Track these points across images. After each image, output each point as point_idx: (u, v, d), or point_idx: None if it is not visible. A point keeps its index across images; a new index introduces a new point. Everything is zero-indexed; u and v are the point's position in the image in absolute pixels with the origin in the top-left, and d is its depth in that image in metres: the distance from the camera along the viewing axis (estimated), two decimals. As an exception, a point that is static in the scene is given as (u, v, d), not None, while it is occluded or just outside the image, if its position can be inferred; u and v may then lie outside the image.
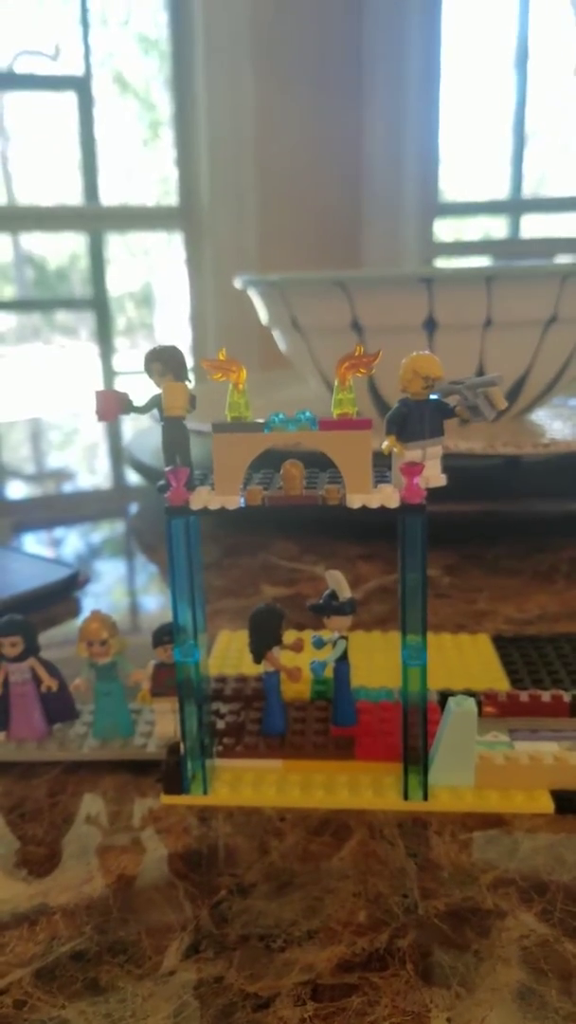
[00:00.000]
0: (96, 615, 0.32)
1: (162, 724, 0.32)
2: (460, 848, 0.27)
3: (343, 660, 0.32)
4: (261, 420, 0.27)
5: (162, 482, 0.28)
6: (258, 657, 0.32)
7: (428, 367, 0.26)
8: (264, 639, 0.31)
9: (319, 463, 0.29)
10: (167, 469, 0.27)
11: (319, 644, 0.32)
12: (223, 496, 0.27)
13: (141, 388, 0.28)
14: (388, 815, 0.28)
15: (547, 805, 0.28)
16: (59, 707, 0.33)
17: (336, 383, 0.26)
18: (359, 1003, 0.21)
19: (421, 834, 0.28)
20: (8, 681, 0.32)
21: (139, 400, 0.28)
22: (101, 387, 0.26)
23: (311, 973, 0.22)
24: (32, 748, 0.32)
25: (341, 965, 0.22)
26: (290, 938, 0.23)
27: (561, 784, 0.29)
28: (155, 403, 0.28)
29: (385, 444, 0.27)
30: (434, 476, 0.28)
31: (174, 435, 0.28)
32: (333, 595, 0.31)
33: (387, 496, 0.26)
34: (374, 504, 0.26)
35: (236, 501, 0.27)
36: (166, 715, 0.32)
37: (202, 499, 0.27)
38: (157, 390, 0.28)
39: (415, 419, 0.27)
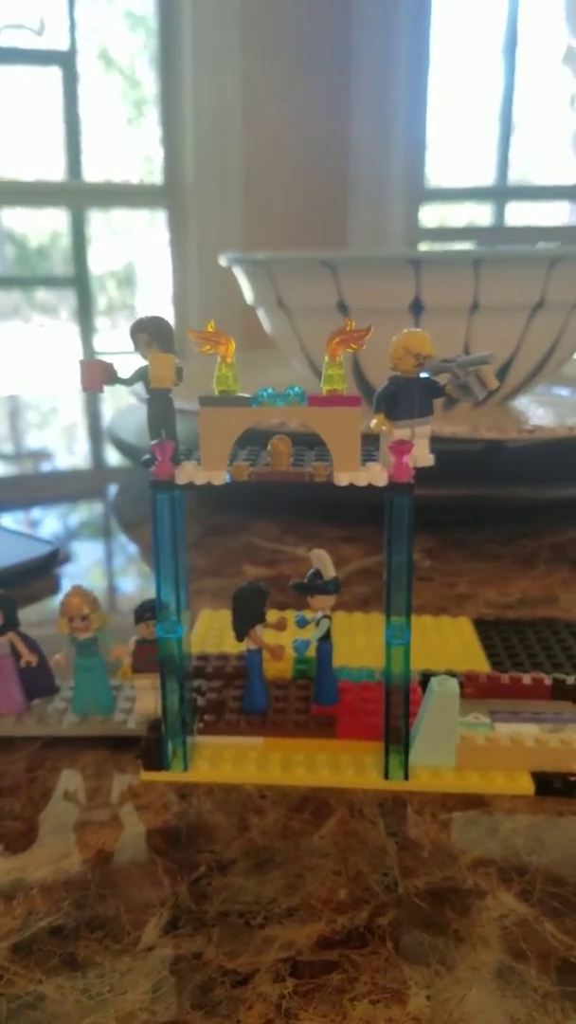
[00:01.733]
0: (77, 590, 0.32)
1: (143, 700, 0.32)
2: (440, 828, 0.27)
3: (326, 639, 0.32)
4: (249, 395, 0.26)
5: (147, 456, 0.27)
6: (241, 635, 0.31)
7: (420, 344, 0.26)
8: (247, 617, 0.31)
9: (306, 442, 0.28)
10: (153, 443, 0.27)
11: (302, 623, 0.32)
12: (209, 471, 0.27)
13: (123, 369, 0.28)
14: (369, 794, 0.28)
15: (527, 787, 0.28)
16: (38, 682, 0.33)
17: (326, 358, 0.26)
18: (339, 980, 0.21)
19: (401, 813, 0.28)
20: (-14, 656, 0.32)
21: (124, 372, 0.28)
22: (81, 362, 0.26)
23: (291, 950, 0.22)
24: (10, 723, 0.32)
25: (321, 942, 0.22)
26: (270, 915, 0.23)
27: (541, 766, 0.29)
28: (141, 375, 0.27)
29: (374, 422, 0.27)
30: (422, 456, 0.28)
31: (160, 408, 0.27)
32: (317, 574, 0.31)
33: (375, 474, 0.26)
34: (362, 482, 0.26)
35: (222, 476, 0.27)
36: (147, 691, 0.31)
37: (188, 474, 0.27)
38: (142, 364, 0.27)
39: (405, 397, 0.27)
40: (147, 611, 0.31)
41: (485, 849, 0.26)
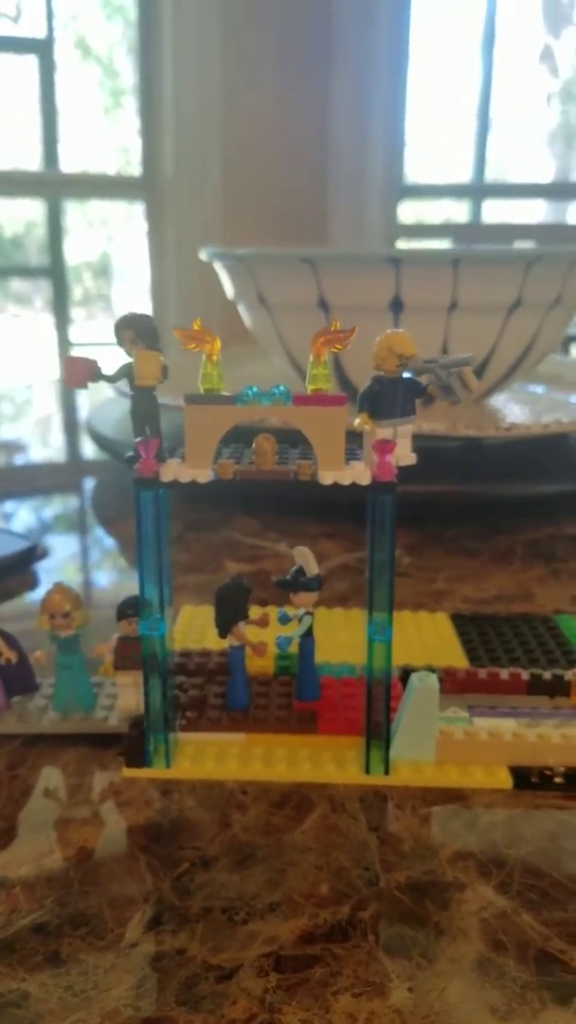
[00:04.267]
0: (59, 587, 0.31)
1: (124, 697, 0.32)
2: (421, 822, 0.27)
3: (308, 636, 0.32)
4: (234, 393, 0.26)
5: (131, 453, 0.27)
6: (223, 631, 0.31)
7: (402, 345, 0.26)
8: (230, 613, 0.31)
9: (290, 439, 0.29)
10: (137, 440, 0.27)
11: (284, 620, 0.32)
12: (194, 469, 0.27)
13: (104, 363, 0.28)
14: (350, 789, 0.29)
15: (505, 780, 0.29)
16: (18, 679, 0.33)
17: (311, 358, 0.26)
18: (321, 974, 0.21)
19: (382, 808, 0.28)
20: (-34, 652, 0.32)
21: (108, 369, 0.28)
22: (64, 356, 0.26)
23: (274, 945, 0.22)
24: (-10, 720, 0.32)
25: (303, 937, 0.23)
26: (252, 910, 0.23)
27: (519, 760, 0.30)
28: (125, 372, 0.27)
29: (357, 421, 0.27)
30: (404, 454, 0.28)
31: (144, 406, 0.27)
32: (300, 571, 0.31)
33: (359, 473, 0.26)
34: (346, 481, 0.26)
35: (207, 474, 0.27)
36: (128, 688, 0.31)
37: (172, 471, 0.27)
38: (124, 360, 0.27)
39: (388, 397, 0.27)
40: (129, 608, 0.31)
41: (464, 842, 0.26)
